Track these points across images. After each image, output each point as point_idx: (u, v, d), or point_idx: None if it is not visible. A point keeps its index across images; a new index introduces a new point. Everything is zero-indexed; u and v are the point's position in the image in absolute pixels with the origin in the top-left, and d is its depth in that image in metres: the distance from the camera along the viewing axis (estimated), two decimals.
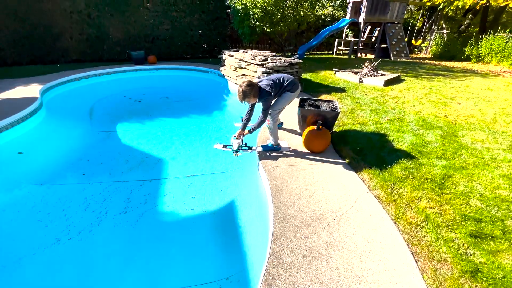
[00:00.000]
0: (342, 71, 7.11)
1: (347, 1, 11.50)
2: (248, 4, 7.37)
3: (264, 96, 2.60)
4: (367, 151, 2.89)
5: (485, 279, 1.47)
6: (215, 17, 9.90)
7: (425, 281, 1.45)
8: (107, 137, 4.43)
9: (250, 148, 2.87)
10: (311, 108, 3.12)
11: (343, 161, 2.74)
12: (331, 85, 6.02)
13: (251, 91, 2.54)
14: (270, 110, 2.78)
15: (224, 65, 6.73)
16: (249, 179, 3.05)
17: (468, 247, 1.67)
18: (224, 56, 6.66)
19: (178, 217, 2.59)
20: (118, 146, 4.05)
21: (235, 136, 2.79)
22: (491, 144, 3.14)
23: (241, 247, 2.19)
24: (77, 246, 2.21)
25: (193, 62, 9.01)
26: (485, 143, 3.15)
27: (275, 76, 2.85)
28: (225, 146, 2.96)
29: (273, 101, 2.81)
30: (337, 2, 13.62)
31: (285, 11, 7.64)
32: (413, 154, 2.83)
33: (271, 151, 2.91)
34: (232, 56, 6.12)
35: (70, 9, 7.85)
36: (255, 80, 2.78)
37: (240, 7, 7.68)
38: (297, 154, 2.87)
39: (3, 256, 2.09)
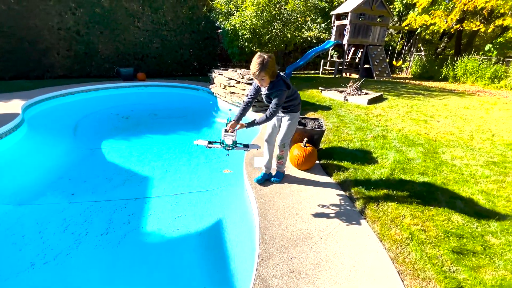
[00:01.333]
0: (328, 90, 7.36)
1: (332, 24, 12.12)
2: (237, 25, 7.63)
3: (280, 86, 2.15)
4: (353, 168, 2.95)
5: None
6: (205, 37, 10.17)
7: None
8: (91, 154, 4.30)
9: (246, 146, 2.28)
10: (298, 126, 3.19)
11: (330, 178, 2.78)
12: (317, 103, 6.19)
13: (273, 67, 2.08)
14: (285, 141, 2.52)
15: (214, 83, 6.84)
16: (236, 196, 3.01)
17: (451, 264, 1.69)
18: (213, 75, 6.78)
19: (163, 238, 2.50)
20: (102, 164, 3.94)
21: (226, 130, 2.22)
22: (469, 160, 3.28)
23: (228, 269, 2.12)
24: (53, 270, 2.08)
25: (183, 80, 9.11)
26: (464, 160, 3.28)
27: None
28: (211, 143, 2.29)
29: (287, 122, 2.46)
30: (322, 25, 14.31)
31: (273, 33, 7.96)
32: (396, 171, 2.91)
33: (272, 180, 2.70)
34: (222, 74, 6.24)
35: (58, 26, 7.88)
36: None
37: (229, 28, 7.94)
38: (289, 167, 2.89)
39: None
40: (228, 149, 2.23)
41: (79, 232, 2.50)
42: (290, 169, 2.95)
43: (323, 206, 2.27)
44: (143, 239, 2.50)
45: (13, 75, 7.80)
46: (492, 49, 11.70)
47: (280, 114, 2.49)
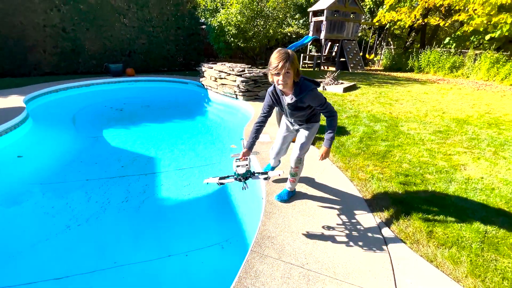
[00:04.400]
0: None
1: (310, 21, 12.91)
2: (223, 22, 8.15)
3: (310, 86, 1.70)
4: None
5: (407, 205, 2.23)
6: (190, 33, 10.55)
7: (370, 208, 2.18)
8: (95, 141, 4.63)
9: (265, 173, 1.85)
10: None
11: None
12: None
13: (297, 63, 1.64)
14: (302, 156, 2.06)
15: (204, 76, 7.34)
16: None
17: (397, 189, 2.45)
18: (203, 68, 7.28)
19: (177, 201, 2.89)
20: (108, 149, 4.26)
21: (238, 159, 1.88)
22: (421, 130, 4.13)
23: (237, 213, 2.69)
24: (87, 230, 2.42)
25: (170, 75, 9.47)
26: (417, 130, 4.13)
27: None
28: (222, 179, 1.85)
29: (307, 133, 2.02)
30: (301, 21, 15.08)
31: (256, 29, 8.56)
32: (364, 139, 3.68)
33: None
34: (212, 68, 6.77)
35: (44, 23, 7.96)
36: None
37: (215, 25, 8.43)
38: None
39: (17, 243, 2.24)
40: (243, 181, 1.76)
41: (102, 201, 2.83)
42: None
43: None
44: (160, 203, 2.86)
45: None
46: (451, 41, 13.06)
47: (296, 126, 2.06)
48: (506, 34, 10.16)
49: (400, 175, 2.71)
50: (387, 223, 2.04)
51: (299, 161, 2.08)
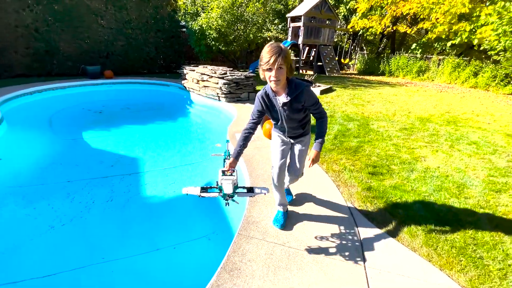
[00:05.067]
0: None
1: (288, 26, 13.37)
2: (204, 26, 8.29)
3: (303, 83, 1.61)
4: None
5: (374, 191, 2.53)
6: (170, 36, 10.57)
7: (343, 195, 2.45)
8: (74, 143, 4.54)
9: (251, 190, 1.65)
10: None
11: None
12: None
13: (290, 58, 1.55)
14: (303, 170, 2.00)
15: (186, 79, 7.43)
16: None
17: (367, 179, 2.75)
18: (185, 71, 7.37)
19: (162, 198, 2.94)
20: (89, 150, 4.21)
21: (224, 172, 1.63)
22: (389, 128, 4.54)
23: (222, 207, 2.80)
24: (73, 229, 2.42)
25: (150, 77, 9.41)
26: (385, 128, 4.54)
27: None
28: (204, 191, 1.62)
29: (303, 148, 1.95)
30: (280, 26, 15.53)
31: (237, 33, 8.79)
32: (338, 136, 4.00)
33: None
34: (194, 70, 6.89)
35: (15, 23, 7.67)
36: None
37: (196, 28, 8.55)
38: (261, 139, 3.77)
39: (1, 241, 2.22)
40: (227, 199, 1.56)
41: (86, 201, 2.81)
42: (263, 140, 3.84)
43: None
44: (146, 201, 2.90)
45: None
46: (417, 48, 14.08)
47: (290, 134, 1.88)
48: (465, 40, 11.19)
49: (369, 167, 3.02)
50: (357, 205, 2.32)
51: (302, 174, 2.04)
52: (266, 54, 1.44)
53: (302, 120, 1.79)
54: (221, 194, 1.55)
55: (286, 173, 2.05)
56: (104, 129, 5.30)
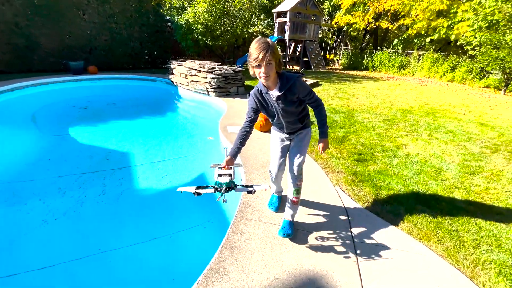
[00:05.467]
0: None
1: (274, 21, 13.45)
2: (190, 20, 8.24)
3: (294, 76, 1.59)
4: None
5: (360, 176, 2.71)
6: (155, 30, 10.40)
7: (331, 180, 2.61)
8: (61, 139, 4.44)
9: (249, 186, 1.58)
10: None
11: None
12: None
13: (278, 53, 1.50)
14: (302, 165, 1.86)
15: (173, 74, 7.39)
16: (215, 148, 3.84)
17: (353, 165, 2.93)
18: (172, 66, 7.32)
19: (156, 190, 2.96)
20: (77, 146, 4.15)
21: (221, 167, 1.61)
22: (373, 119, 4.77)
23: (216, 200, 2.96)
24: (66, 223, 2.41)
25: (136, 73, 9.27)
26: (369, 119, 4.76)
27: None
28: (200, 189, 1.56)
29: (305, 141, 1.90)
30: (266, 21, 15.58)
31: (224, 28, 8.79)
32: None
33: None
34: (181, 65, 6.86)
35: None
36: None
37: (183, 23, 8.48)
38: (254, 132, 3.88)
39: None
40: (223, 192, 1.48)
41: (78, 195, 2.79)
42: (254, 131, 3.95)
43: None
44: (139, 194, 2.91)
45: None
46: (398, 43, 14.58)
47: (289, 130, 1.85)
48: (443, 36, 11.70)
49: (355, 154, 3.21)
50: (345, 190, 2.48)
51: (301, 171, 1.85)
52: (254, 51, 1.42)
53: (299, 113, 1.74)
54: (217, 189, 1.48)
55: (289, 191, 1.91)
56: (91, 124, 5.19)
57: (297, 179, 1.85)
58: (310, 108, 1.87)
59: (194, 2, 8.28)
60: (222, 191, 1.46)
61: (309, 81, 8.21)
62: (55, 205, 2.62)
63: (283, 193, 2.27)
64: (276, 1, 16.05)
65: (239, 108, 5.20)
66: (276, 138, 1.96)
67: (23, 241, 2.21)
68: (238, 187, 1.54)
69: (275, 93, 1.60)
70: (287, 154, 1.96)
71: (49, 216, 2.48)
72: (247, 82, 8.05)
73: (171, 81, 7.50)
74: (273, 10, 13.37)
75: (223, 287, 1.43)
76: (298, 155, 1.85)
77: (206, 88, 6.06)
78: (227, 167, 1.58)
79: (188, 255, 2.21)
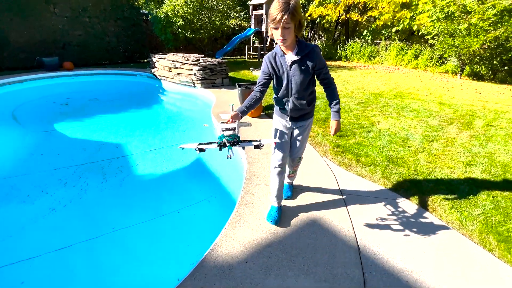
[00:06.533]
0: (257, 70, 8.91)
1: (250, 14, 13.66)
2: (169, 13, 8.26)
3: (313, 45, 1.55)
4: None
5: (342, 147, 3.18)
6: (131, 24, 10.21)
7: (318, 152, 3.05)
8: (49, 135, 4.39)
9: (256, 141, 1.50)
10: (246, 88, 4.54)
11: (269, 119, 4.25)
12: (251, 80, 7.66)
13: (301, 15, 1.43)
14: (302, 154, 1.95)
15: (156, 67, 7.44)
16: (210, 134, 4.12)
17: (336, 140, 3.40)
18: (154, 59, 7.37)
19: (157, 174, 3.09)
20: (67, 140, 4.14)
21: (224, 122, 1.51)
22: (349, 103, 5.31)
23: (216, 174, 3.13)
24: (74, 209, 2.49)
25: (114, 68, 9.11)
26: (346, 103, 5.30)
27: None
28: (202, 144, 1.48)
29: (307, 131, 1.88)
30: (241, 14, 15.72)
31: (203, 21, 8.90)
32: None
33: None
34: (164, 58, 6.95)
35: None
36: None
37: (162, 16, 8.47)
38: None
39: (3, 229, 2.23)
40: (228, 146, 1.40)
41: (80, 184, 2.86)
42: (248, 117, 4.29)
43: (268, 130, 3.72)
44: (141, 178, 3.05)
45: None
46: (368, 34, 15.47)
47: (292, 124, 1.79)
48: (407, 27, 12.66)
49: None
50: (331, 159, 2.93)
51: (299, 159, 1.95)
52: (274, 11, 1.34)
53: (308, 87, 1.64)
54: (221, 144, 1.39)
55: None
56: (77, 119, 5.15)
57: (294, 165, 2.01)
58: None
59: None
60: (227, 145, 1.39)
61: None
62: (59, 195, 2.68)
63: None
64: None
65: (226, 98, 5.49)
66: (278, 125, 1.83)
67: (35, 227, 2.27)
68: (244, 142, 1.47)
69: (290, 57, 1.54)
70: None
71: (56, 204, 2.56)
72: (231, 74, 8.31)
73: (154, 74, 7.55)
74: (249, 3, 13.56)
75: (246, 229, 1.79)
76: (300, 145, 1.86)
77: (192, 80, 6.26)
78: (232, 121, 1.48)
79: (198, 225, 2.38)
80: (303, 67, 1.54)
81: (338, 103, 1.71)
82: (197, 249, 1.93)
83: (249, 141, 1.49)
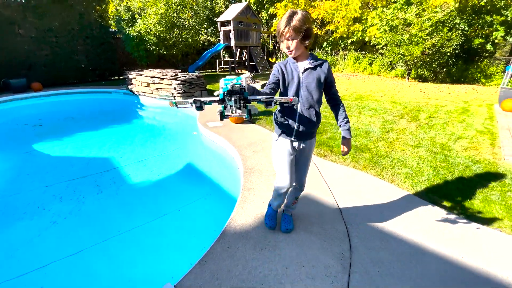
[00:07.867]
0: None
1: (219, 30, 14.31)
2: (142, 31, 8.52)
3: (326, 60, 1.57)
4: (263, 117, 5.05)
5: (317, 142, 3.76)
6: (101, 43, 10.20)
7: None
8: (30, 155, 4.28)
9: (271, 98, 1.24)
10: None
11: (254, 125, 4.75)
12: None
13: (310, 25, 1.40)
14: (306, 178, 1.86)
15: (132, 84, 7.60)
16: (198, 142, 4.48)
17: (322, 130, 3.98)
18: (130, 76, 7.53)
19: (152, 182, 3.21)
20: (51, 159, 4.07)
21: (227, 79, 1.19)
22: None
23: (209, 175, 3.48)
24: (75, 220, 2.54)
25: (85, 86, 9.00)
26: None
27: None
28: (200, 102, 1.19)
29: (311, 152, 1.80)
30: (209, 30, 16.34)
31: (176, 38, 9.28)
32: None
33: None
34: (141, 74, 7.17)
35: None
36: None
37: (134, 34, 8.69)
38: (229, 124, 4.65)
39: (9, 243, 2.27)
40: (237, 101, 1.15)
41: (76, 197, 2.87)
42: (230, 124, 4.74)
43: (254, 132, 4.20)
44: (136, 186, 3.11)
45: None
46: (327, 45, 16.96)
47: (297, 140, 1.68)
48: (360, 38, 14.21)
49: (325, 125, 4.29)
50: None
51: (304, 184, 1.87)
52: (280, 24, 1.37)
53: (317, 100, 1.56)
54: (226, 96, 1.14)
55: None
56: (55, 138, 5.01)
57: (300, 190, 1.89)
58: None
59: (145, 14, 8.59)
60: (235, 100, 1.13)
61: (261, 82, 9.29)
62: (57, 209, 2.69)
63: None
64: (217, 11, 16.96)
65: (208, 107, 5.88)
66: (284, 151, 1.69)
67: (40, 239, 2.31)
68: (252, 99, 1.20)
69: (303, 64, 1.51)
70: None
71: (56, 217, 2.59)
72: (208, 86, 8.73)
73: (131, 91, 7.68)
74: (217, 20, 14.23)
75: (253, 206, 2.23)
76: (305, 168, 1.79)
77: (172, 94, 6.56)
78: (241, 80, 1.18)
79: (200, 220, 2.60)
80: (316, 75, 1.52)
81: (348, 121, 1.65)
82: (203, 238, 2.20)
83: (260, 96, 1.25)
